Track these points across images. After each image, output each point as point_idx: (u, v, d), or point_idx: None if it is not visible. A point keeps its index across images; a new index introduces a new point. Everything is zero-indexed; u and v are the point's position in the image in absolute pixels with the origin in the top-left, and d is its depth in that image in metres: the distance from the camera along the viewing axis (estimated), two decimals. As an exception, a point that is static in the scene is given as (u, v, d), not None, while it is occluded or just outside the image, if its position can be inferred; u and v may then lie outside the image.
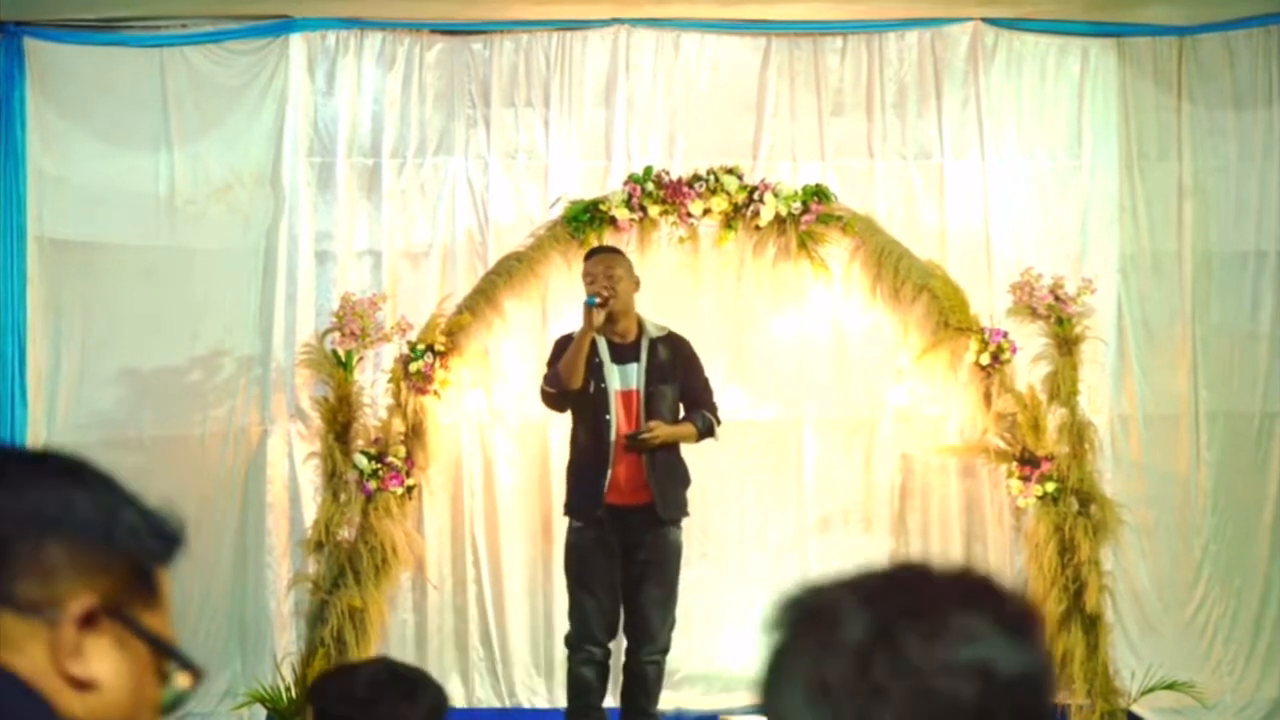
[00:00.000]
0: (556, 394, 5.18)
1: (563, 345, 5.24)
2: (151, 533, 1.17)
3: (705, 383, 5.34)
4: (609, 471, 5.10)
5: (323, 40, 6.15)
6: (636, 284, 5.27)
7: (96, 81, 6.04)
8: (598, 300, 5.05)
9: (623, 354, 5.20)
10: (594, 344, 5.13)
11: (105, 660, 1.11)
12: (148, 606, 1.15)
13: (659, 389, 5.18)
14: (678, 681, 5.97)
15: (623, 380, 5.18)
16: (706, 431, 5.25)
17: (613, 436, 5.12)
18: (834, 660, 1.00)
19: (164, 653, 1.14)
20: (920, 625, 0.99)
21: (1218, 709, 6.02)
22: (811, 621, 1.03)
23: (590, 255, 5.32)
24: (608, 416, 5.13)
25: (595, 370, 5.14)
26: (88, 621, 1.10)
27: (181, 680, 1.15)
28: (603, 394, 5.14)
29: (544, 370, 5.30)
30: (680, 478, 5.24)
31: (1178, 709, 5.88)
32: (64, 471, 1.17)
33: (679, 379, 5.25)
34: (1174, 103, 6.29)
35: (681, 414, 5.26)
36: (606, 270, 5.15)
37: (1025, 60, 6.31)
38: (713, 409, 5.29)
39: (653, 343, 5.23)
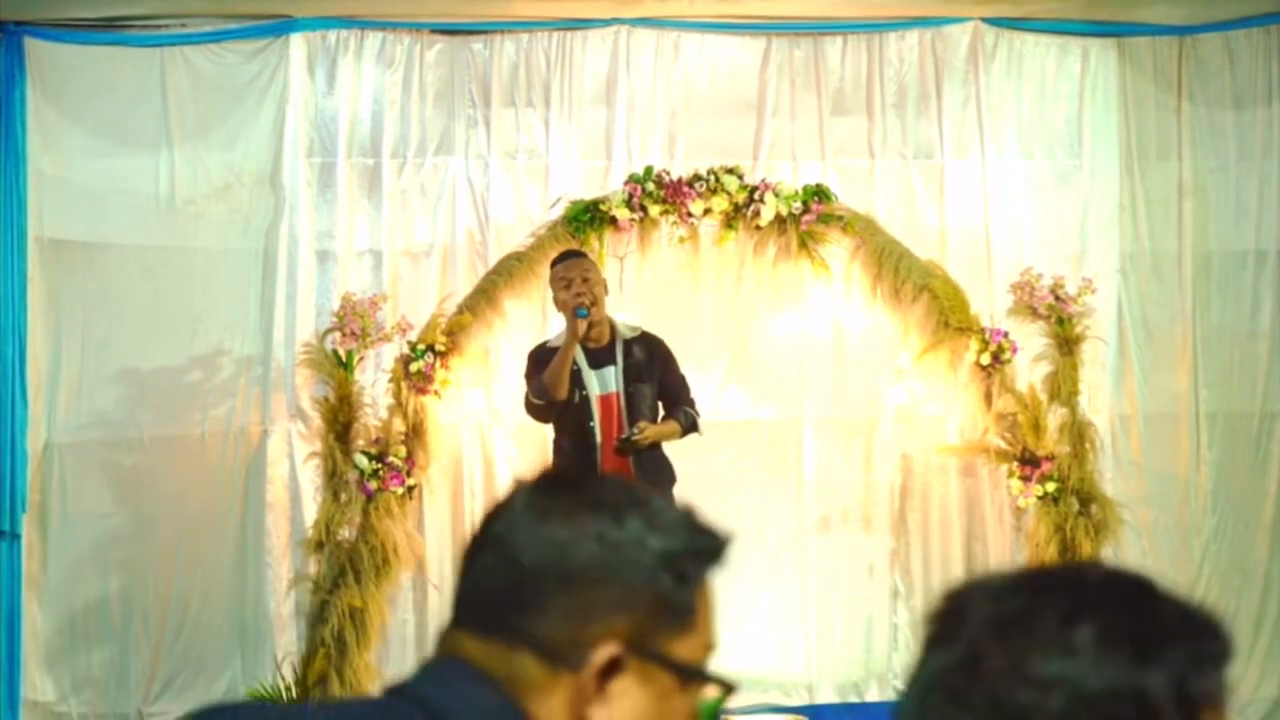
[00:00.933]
0: (544, 406, 5.19)
1: (537, 357, 5.25)
2: (689, 551, 1.12)
3: (682, 380, 5.37)
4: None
5: (323, 40, 6.15)
6: (607, 287, 5.29)
7: (96, 81, 6.03)
8: (586, 312, 5.05)
9: (599, 358, 5.21)
10: None
11: (628, 698, 1.09)
12: (678, 632, 1.12)
13: (638, 389, 5.20)
14: (678, 681, 5.96)
15: (601, 385, 5.19)
16: (690, 428, 5.29)
17: (598, 442, 5.14)
18: (940, 661, 0.98)
19: (693, 678, 1.11)
20: (1017, 633, 0.95)
21: (1218, 708, 6.02)
22: (943, 617, 1.01)
23: (560, 260, 5.30)
24: (591, 424, 5.15)
25: (575, 378, 5.16)
26: (611, 668, 1.08)
27: (711, 692, 1.12)
28: (585, 402, 5.15)
29: (523, 382, 5.31)
30: (667, 476, 5.27)
31: (1178, 709, 5.88)
32: (590, 503, 1.13)
33: (656, 378, 5.27)
34: (1174, 102, 6.29)
35: (661, 413, 5.28)
36: (583, 276, 5.14)
37: (1025, 60, 6.32)
38: (691, 404, 5.32)
39: (627, 344, 5.25)
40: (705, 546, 1.16)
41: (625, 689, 1.08)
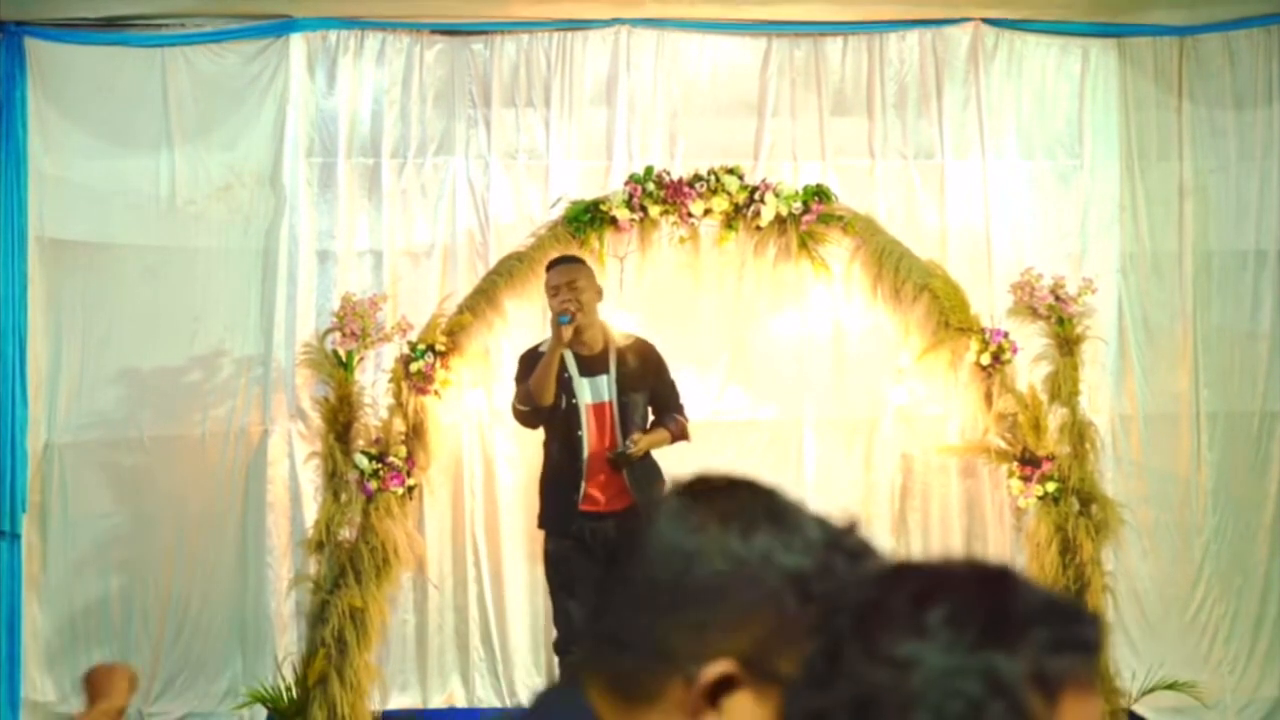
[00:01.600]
0: (530, 411, 5.18)
1: (528, 360, 5.24)
2: (821, 571, 1.11)
3: (673, 386, 5.37)
4: (582, 486, 5.11)
5: (323, 40, 6.15)
6: (599, 293, 5.26)
7: (97, 81, 6.03)
8: (570, 318, 5.04)
9: (591, 366, 5.19)
10: (562, 358, 5.13)
11: (742, 716, 1.08)
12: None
13: (631, 398, 5.19)
14: (678, 681, 5.97)
15: (594, 393, 5.17)
16: (679, 435, 5.30)
17: (585, 452, 5.13)
18: (811, 650, 0.99)
19: None
20: (873, 617, 0.97)
21: (1218, 708, 6.02)
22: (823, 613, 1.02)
23: (551, 266, 5.29)
24: (580, 432, 5.14)
25: (565, 385, 5.14)
26: (725, 685, 1.08)
27: None
28: (574, 409, 5.14)
29: (515, 386, 5.29)
30: (658, 480, 5.26)
31: (1179, 709, 5.89)
32: (722, 515, 1.12)
33: (649, 385, 5.26)
34: (1174, 102, 6.29)
35: (650, 418, 5.28)
36: (569, 282, 5.12)
37: (1026, 60, 6.31)
38: (680, 410, 5.32)
39: (620, 352, 5.23)
40: (841, 566, 1.14)
41: (740, 706, 1.08)
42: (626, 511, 5.15)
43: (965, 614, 0.95)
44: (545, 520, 5.30)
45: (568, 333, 5.04)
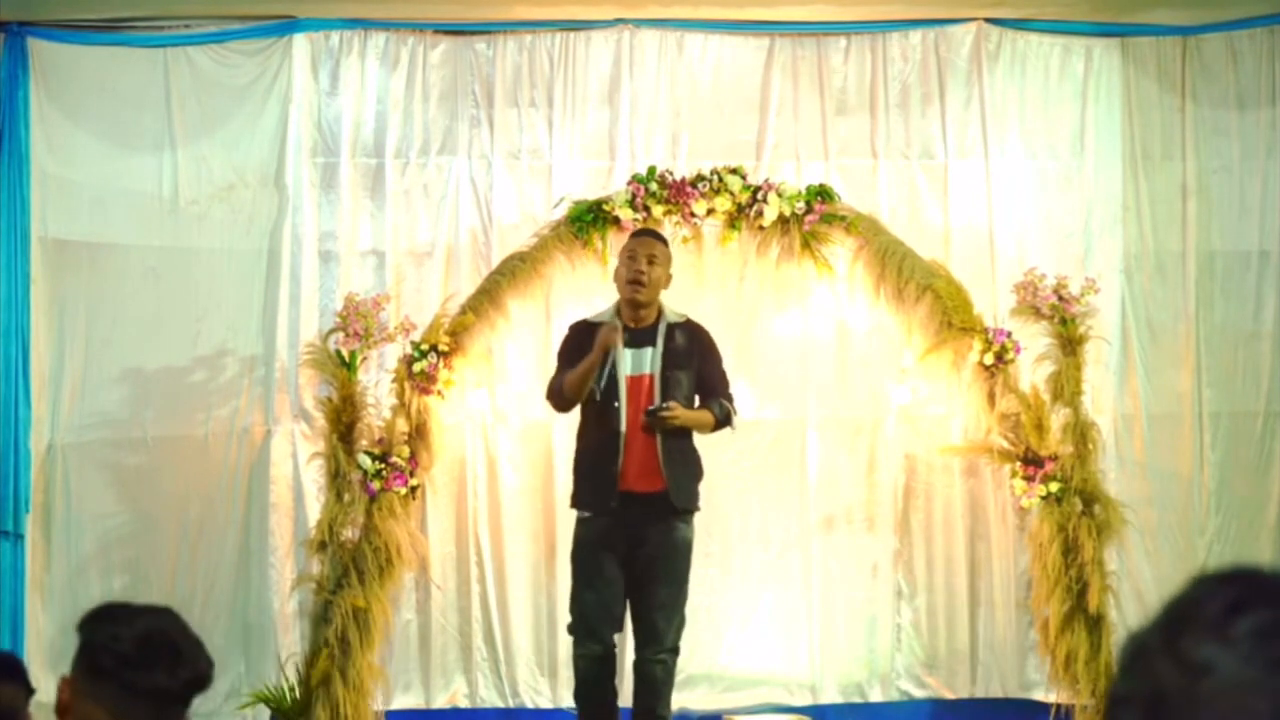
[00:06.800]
0: (566, 402, 5.13)
1: (577, 331, 5.18)
2: None
3: (722, 373, 5.26)
4: (620, 459, 5.00)
5: (326, 40, 6.15)
6: (669, 278, 5.21)
7: (100, 82, 6.03)
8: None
9: (639, 338, 5.10)
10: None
11: None
12: None
13: (674, 374, 5.09)
14: (682, 681, 5.96)
15: (635, 365, 5.07)
16: (724, 420, 5.16)
17: (623, 426, 5.01)
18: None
19: None
20: (1184, 615, 0.97)
21: (1221, 709, 6.02)
22: None
23: (637, 234, 5.29)
24: (616, 404, 5.03)
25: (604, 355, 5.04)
26: None
27: None
28: (612, 381, 5.06)
29: (553, 363, 5.25)
30: (693, 468, 5.15)
31: (1181, 709, 5.88)
32: None
33: (695, 366, 5.17)
34: (1178, 102, 6.29)
35: (697, 403, 5.18)
36: (649, 255, 5.11)
37: (1029, 60, 6.31)
38: (729, 398, 5.23)
39: (670, 328, 5.17)
40: None
41: None
42: (656, 496, 5.02)
43: (1277, 628, 0.92)
44: (581, 499, 5.15)
45: (616, 339, 4.98)
